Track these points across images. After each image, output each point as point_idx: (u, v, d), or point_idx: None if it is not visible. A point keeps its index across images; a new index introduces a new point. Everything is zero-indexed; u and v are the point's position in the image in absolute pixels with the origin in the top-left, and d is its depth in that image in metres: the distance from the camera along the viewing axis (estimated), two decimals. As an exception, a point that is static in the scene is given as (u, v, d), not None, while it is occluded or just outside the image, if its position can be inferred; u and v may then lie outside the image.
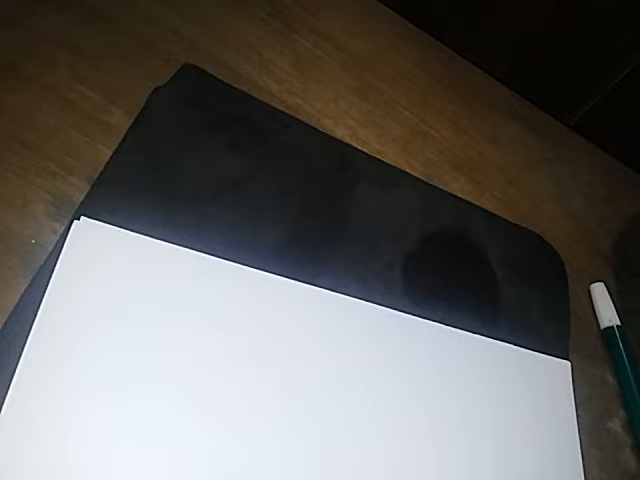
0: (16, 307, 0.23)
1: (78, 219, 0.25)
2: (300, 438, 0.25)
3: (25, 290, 0.24)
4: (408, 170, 0.37)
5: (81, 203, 0.27)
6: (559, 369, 0.34)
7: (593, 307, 0.38)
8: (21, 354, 0.22)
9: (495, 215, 0.38)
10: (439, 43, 0.45)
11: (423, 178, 0.37)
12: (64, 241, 0.25)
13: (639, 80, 0.42)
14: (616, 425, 0.34)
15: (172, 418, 0.23)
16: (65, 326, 0.23)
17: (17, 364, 0.22)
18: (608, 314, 0.37)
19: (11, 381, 0.21)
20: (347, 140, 0.36)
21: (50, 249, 0.25)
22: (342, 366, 0.27)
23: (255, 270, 0.28)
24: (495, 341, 0.32)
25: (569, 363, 0.34)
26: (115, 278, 0.25)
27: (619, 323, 0.37)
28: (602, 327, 0.37)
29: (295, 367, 0.26)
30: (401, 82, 0.41)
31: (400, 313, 0.30)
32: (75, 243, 0.25)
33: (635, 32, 0.40)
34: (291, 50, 0.38)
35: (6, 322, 0.23)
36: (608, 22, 0.40)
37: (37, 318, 0.22)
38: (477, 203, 0.38)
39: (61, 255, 0.24)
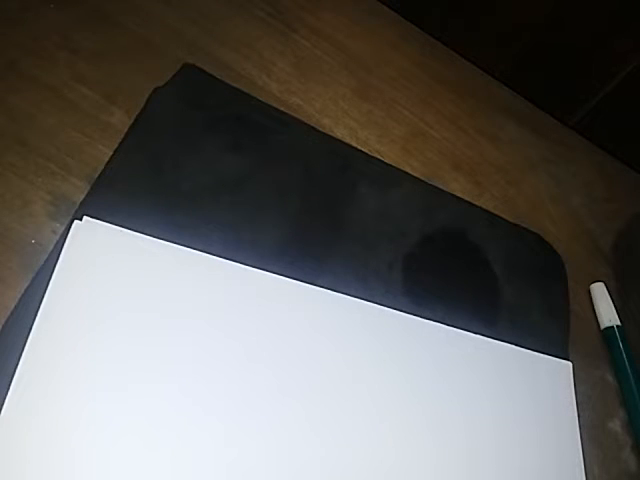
0: (16, 307, 0.23)
1: (80, 219, 0.25)
2: (300, 437, 0.25)
3: (25, 290, 0.24)
4: (408, 170, 0.37)
5: (81, 203, 0.27)
6: (560, 370, 0.34)
7: (593, 307, 0.38)
8: (21, 354, 0.22)
9: (495, 215, 0.38)
10: (439, 43, 0.45)
11: (423, 178, 0.37)
12: (64, 240, 0.25)
13: (639, 80, 0.42)
14: (616, 425, 0.34)
15: (173, 418, 0.23)
16: (65, 325, 0.23)
17: (17, 364, 0.22)
18: (608, 314, 0.37)
19: (11, 381, 0.21)
20: (347, 140, 0.36)
21: (50, 249, 0.25)
22: (342, 365, 0.27)
23: (255, 270, 0.28)
24: (496, 341, 0.32)
25: (570, 364, 0.34)
26: (115, 277, 0.25)
27: (619, 323, 0.37)
28: (602, 327, 0.37)
29: (295, 367, 0.26)
30: (401, 82, 0.41)
31: (401, 313, 0.30)
32: (75, 243, 0.25)
33: (635, 32, 0.40)
34: (291, 50, 0.38)
35: (6, 322, 0.23)
36: (608, 22, 0.40)
37: (37, 318, 0.22)
38: (477, 203, 0.38)
39: (61, 254, 0.24)
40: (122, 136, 0.29)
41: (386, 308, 0.30)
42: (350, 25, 0.41)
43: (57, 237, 0.26)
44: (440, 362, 0.30)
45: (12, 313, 0.23)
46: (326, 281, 0.29)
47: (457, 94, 0.43)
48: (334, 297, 0.29)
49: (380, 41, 0.42)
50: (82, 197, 0.27)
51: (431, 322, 0.31)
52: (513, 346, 0.33)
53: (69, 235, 0.25)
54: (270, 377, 0.25)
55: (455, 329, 0.31)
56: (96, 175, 0.28)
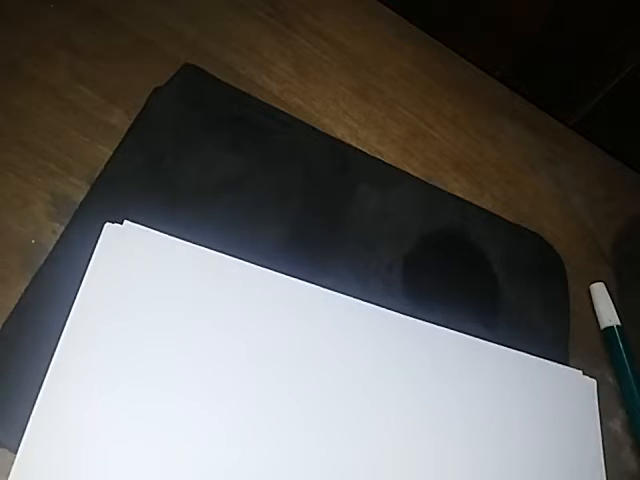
0: (16, 307, 0.23)
1: (112, 222, 0.25)
2: (299, 436, 0.25)
3: (25, 290, 0.24)
4: (408, 170, 0.37)
5: (81, 203, 0.27)
6: (586, 387, 0.33)
7: (593, 307, 0.38)
8: (21, 354, 0.22)
9: (495, 215, 0.38)
10: (439, 43, 0.45)
11: (423, 178, 0.37)
12: (95, 245, 0.25)
13: (639, 80, 0.42)
14: (616, 425, 0.34)
15: (188, 418, 0.23)
16: (96, 328, 0.23)
17: (17, 364, 0.22)
18: (608, 314, 0.37)
19: (11, 380, 0.22)
20: (347, 140, 0.36)
21: (50, 249, 0.25)
22: (345, 366, 0.27)
23: (262, 269, 0.28)
24: (522, 353, 0.32)
25: (595, 381, 0.33)
26: (145, 281, 0.25)
27: (619, 323, 0.37)
28: (602, 327, 0.37)
29: (298, 367, 0.26)
30: (401, 82, 0.41)
31: (409, 318, 0.30)
32: (107, 246, 0.25)
33: (634, 32, 0.40)
34: (291, 50, 0.38)
35: (6, 322, 0.23)
36: (608, 22, 0.40)
37: (69, 320, 0.23)
38: (477, 203, 0.38)
39: (93, 257, 0.24)
40: (122, 136, 0.29)
41: (394, 312, 0.30)
42: (350, 25, 0.41)
43: (57, 237, 0.26)
44: (457, 373, 0.30)
45: (12, 313, 0.23)
46: (326, 281, 0.29)
47: (457, 94, 0.43)
48: (338, 298, 0.29)
49: (380, 41, 0.42)
50: (82, 197, 0.27)
51: (442, 328, 0.30)
52: (537, 358, 0.32)
53: (101, 238, 0.25)
54: (271, 376, 0.25)
55: (473, 338, 0.31)
56: (96, 175, 0.28)
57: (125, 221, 0.25)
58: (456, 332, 0.31)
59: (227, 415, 0.24)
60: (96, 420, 0.22)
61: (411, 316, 0.30)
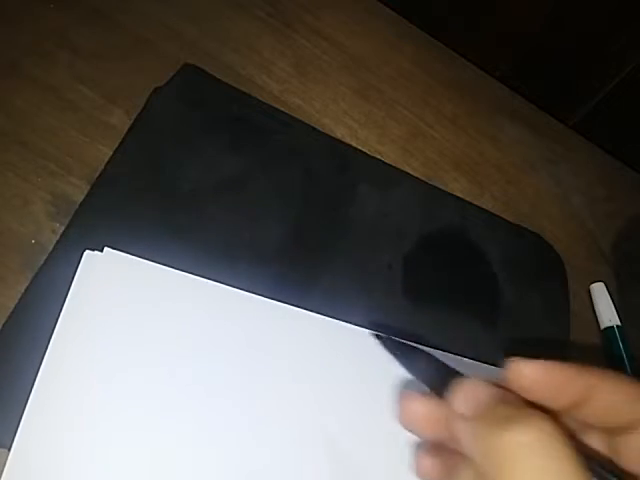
0: (16, 307, 0.23)
1: (92, 249, 0.25)
2: (296, 456, 0.25)
3: (25, 290, 0.24)
4: (408, 170, 0.37)
5: (81, 203, 0.27)
6: None
7: (593, 307, 0.38)
8: (21, 353, 0.22)
9: (495, 215, 0.38)
10: (439, 43, 0.45)
11: (423, 178, 0.37)
12: (74, 272, 0.24)
13: (638, 80, 0.42)
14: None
15: (165, 436, 0.23)
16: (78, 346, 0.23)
17: (17, 363, 0.22)
18: (608, 314, 0.37)
19: (11, 379, 0.22)
20: (347, 140, 0.36)
21: (50, 249, 0.25)
22: (335, 387, 0.27)
23: (244, 292, 0.27)
24: None
25: None
26: (125, 306, 0.24)
27: (619, 323, 0.37)
28: (602, 327, 0.37)
29: (285, 392, 0.26)
30: (401, 82, 0.41)
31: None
32: (86, 275, 0.24)
33: (635, 31, 0.40)
34: (291, 50, 0.38)
35: (6, 322, 0.23)
36: (608, 22, 0.40)
37: (50, 345, 0.22)
38: (477, 203, 0.38)
39: (72, 288, 0.24)
40: (122, 136, 0.29)
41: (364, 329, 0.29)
42: (350, 25, 0.41)
43: (57, 237, 0.26)
44: None
45: (12, 313, 0.23)
46: (326, 281, 0.29)
47: (457, 94, 0.43)
48: (327, 322, 0.28)
49: (380, 41, 0.42)
50: (82, 197, 0.27)
51: (434, 350, 0.29)
52: None
53: (80, 266, 0.24)
54: (260, 396, 0.25)
55: (459, 357, 0.30)
56: (96, 175, 0.28)
57: (105, 248, 0.25)
58: (446, 352, 0.30)
59: (204, 445, 0.24)
60: (85, 421, 0.22)
61: (411, 315, 0.30)
